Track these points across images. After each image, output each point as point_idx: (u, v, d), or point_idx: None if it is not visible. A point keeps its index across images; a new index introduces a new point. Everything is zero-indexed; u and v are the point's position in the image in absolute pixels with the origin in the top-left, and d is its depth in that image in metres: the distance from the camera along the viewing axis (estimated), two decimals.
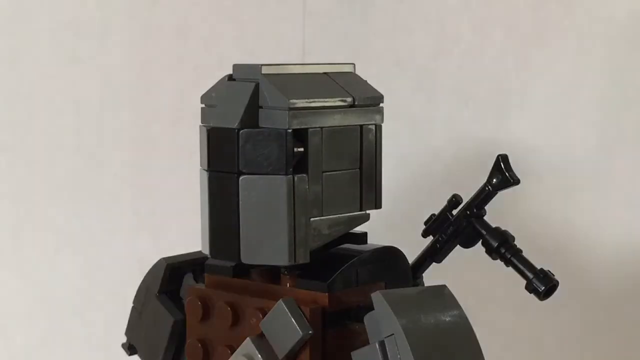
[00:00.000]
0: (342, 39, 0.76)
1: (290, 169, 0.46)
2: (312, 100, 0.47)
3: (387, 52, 0.77)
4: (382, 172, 0.51)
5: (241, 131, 0.46)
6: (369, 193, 0.50)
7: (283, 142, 0.46)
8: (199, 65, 0.86)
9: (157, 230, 0.83)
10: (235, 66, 0.48)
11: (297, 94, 0.46)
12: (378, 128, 0.50)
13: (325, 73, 0.49)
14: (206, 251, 0.49)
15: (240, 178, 0.47)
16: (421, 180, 0.81)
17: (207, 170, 0.48)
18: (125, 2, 0.89)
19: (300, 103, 0.46)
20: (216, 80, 0.51)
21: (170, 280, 0.53)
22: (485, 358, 0.45)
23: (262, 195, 0.46)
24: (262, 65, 0.47)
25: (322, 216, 0.48)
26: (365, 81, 0.51)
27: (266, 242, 0.47)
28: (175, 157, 0.87)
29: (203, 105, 0.49)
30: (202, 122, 0.49)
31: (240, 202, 0.47)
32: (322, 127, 0.47)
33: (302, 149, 0.46)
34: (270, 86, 0.46)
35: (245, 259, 0.47)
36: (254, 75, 0.47)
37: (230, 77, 0.48)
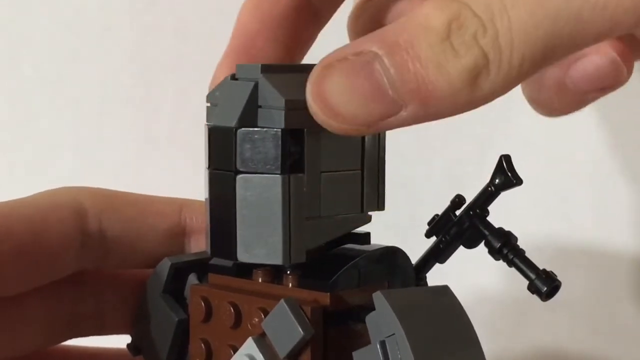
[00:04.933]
0: (342, 39, 0.76)
1: (287, 169, 0.46)
2: None
3: None
4: (385, 173, 0.51)
5: (238, 130, 0.46)
6: (371, 194, 0.50)
7: (279, 142, 0.46)
8: (199, 65, 0.86)
9: None
10: (238, 66, 0.48)
11: (295, 93, 0.46)
12: None
13: None
14: (208, 250, 0.49)
15: (237, 177, 0.47)
16: (422, 180, 0.81)
17: (207, 169, 0.48)
18: (125, 2, 0.89)
19: (298, 103, 0.46)
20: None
21: (174, 280, 0.53)
22: (485, 358, 0.45)
23: (258, 194, 0.46)
24: (262, 64, 0.47)
25: (320, 216, 0.48)
26: None
27: (261, 242, 0.47)
28: (175, 156, 0.87)
29: (208, 104, 0.49)
30: (206, 121, 0.49)
31: (236, 201, 0.47)
32: (320, 128, 0.46)
33: (297, 149, 0.46)
34: (269, 85, 0.46)
35: (241, 257, 0.47)
36: (254, 75, 0.47)
37: (233, 77, 0.48)
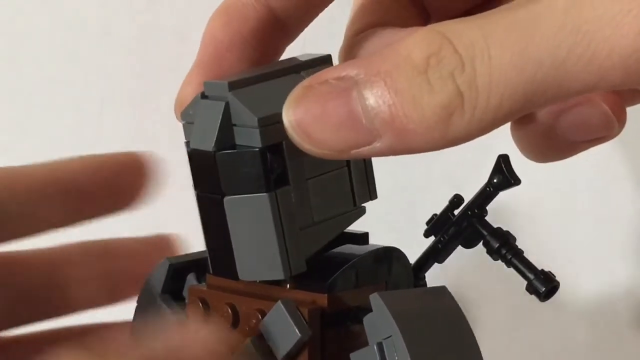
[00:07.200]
0: (342, 39, 0.76)
1: (271, 186, 0.45)
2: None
3: None
4: (372, 162, 0.50)
5: (217, 154, 0.46)
6: (361, 186, 0.49)
7: (259, 161, 0.45)
8: None
9: (157, 230, 0.83)
10: (205, 84, 0.47)
11: (268, 107, 0.45)
12: None
13: (297, 73, 0.48)
14: (210, 271, 0.49)
15: (225, 199, 0.46)
16: (422, 182, 0.81)
17: (195, 191, 0.47)
18: (125, 2, 0.89)
19: (272, 117, 0.45)
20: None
21: (173, 280, 0.53)
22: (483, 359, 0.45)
23: (248, 214, 0.46)
24: (229, 82, 0.46)
25: (314, 223, 0.47)
26: None
27: (260, 260, 0.46)
28: (175, 157, 0.87)
29: (184, 122, 0.48)
30: (185, 138, 0.48)
31: (228, 223, 0.47)
32: None
33: (280, 163, 0.46)
34: (239, 104, 0.45)
35: (243, 276, 0.47)
36: (222, 93, 0.46)
37: (203, 95, 0.47)
